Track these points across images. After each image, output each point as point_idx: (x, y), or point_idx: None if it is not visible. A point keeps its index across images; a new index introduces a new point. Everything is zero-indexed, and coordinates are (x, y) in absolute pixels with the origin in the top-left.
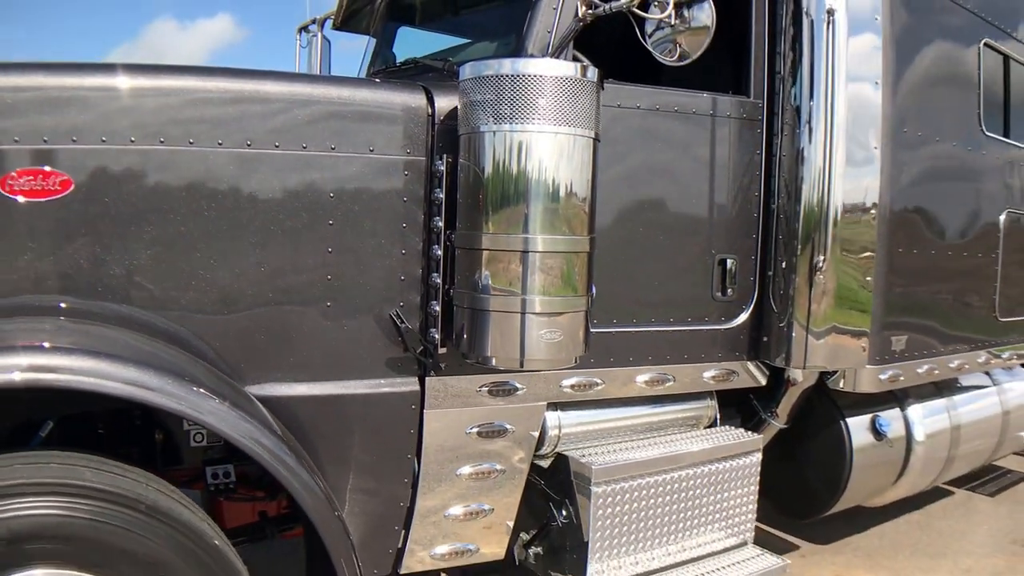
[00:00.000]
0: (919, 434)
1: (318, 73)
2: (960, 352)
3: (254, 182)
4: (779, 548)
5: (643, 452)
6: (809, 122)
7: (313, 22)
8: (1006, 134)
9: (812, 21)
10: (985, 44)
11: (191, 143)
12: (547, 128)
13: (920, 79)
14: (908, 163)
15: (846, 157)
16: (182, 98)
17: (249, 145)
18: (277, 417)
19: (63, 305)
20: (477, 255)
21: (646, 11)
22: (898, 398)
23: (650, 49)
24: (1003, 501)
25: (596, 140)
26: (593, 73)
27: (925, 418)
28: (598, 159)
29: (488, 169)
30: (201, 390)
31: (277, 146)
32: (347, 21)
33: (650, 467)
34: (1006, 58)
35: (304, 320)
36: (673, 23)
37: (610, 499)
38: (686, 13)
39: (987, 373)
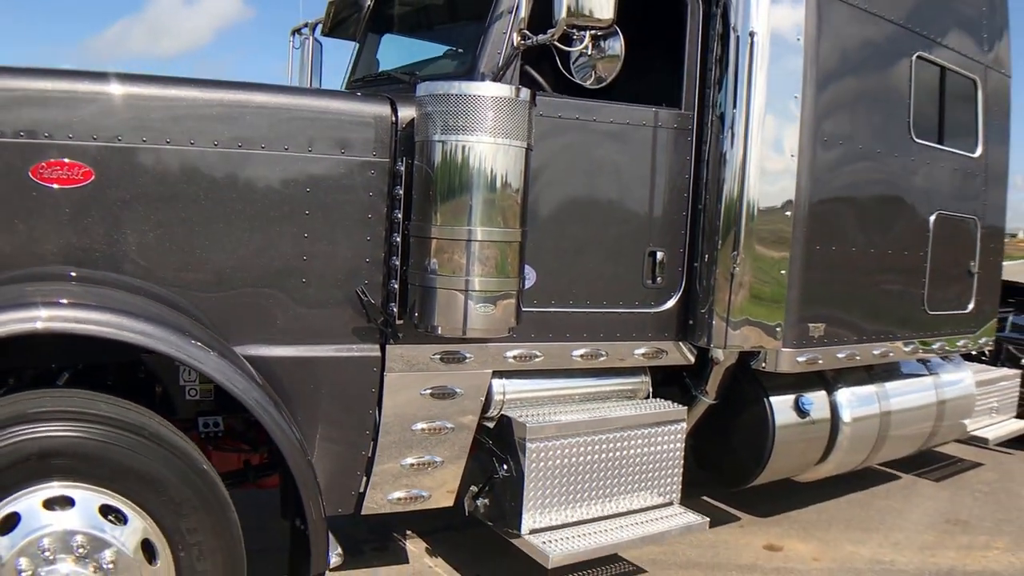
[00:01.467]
0: (846, 416)
1: (309, 74)
2: (885, 341)
3: (243, 177)
4: (719, 519)
5: (574, 415)
6: (732, 129)
7: (305, 26)
8: (940, 140)
9: (738, 40)
10: (918, 57)
11: (192, 143)
12: (486, 139)
13: (844, 92)
14: (828, 169)
15: (763, 162)
16: (185, 106)
17: (240, 146)
18: (260, 373)
19: (73, 273)
20: (428, 243)
21: (568, 44)
22: (827, 381)
23: (570, 75)
24: (947, 486)
25: (528, 149)
26: (526, 94)
27: (853, 401)
28: (530, 165)
29: (438, 171)
30: (201, 345)
31: (263, 147)
32: (335, 28)
33: (580, 428)
34: (942, 69)
35: (283, 293)
36: (590, 52)
37: (543, 454)
38: (602, 44)
39: (925, 364)
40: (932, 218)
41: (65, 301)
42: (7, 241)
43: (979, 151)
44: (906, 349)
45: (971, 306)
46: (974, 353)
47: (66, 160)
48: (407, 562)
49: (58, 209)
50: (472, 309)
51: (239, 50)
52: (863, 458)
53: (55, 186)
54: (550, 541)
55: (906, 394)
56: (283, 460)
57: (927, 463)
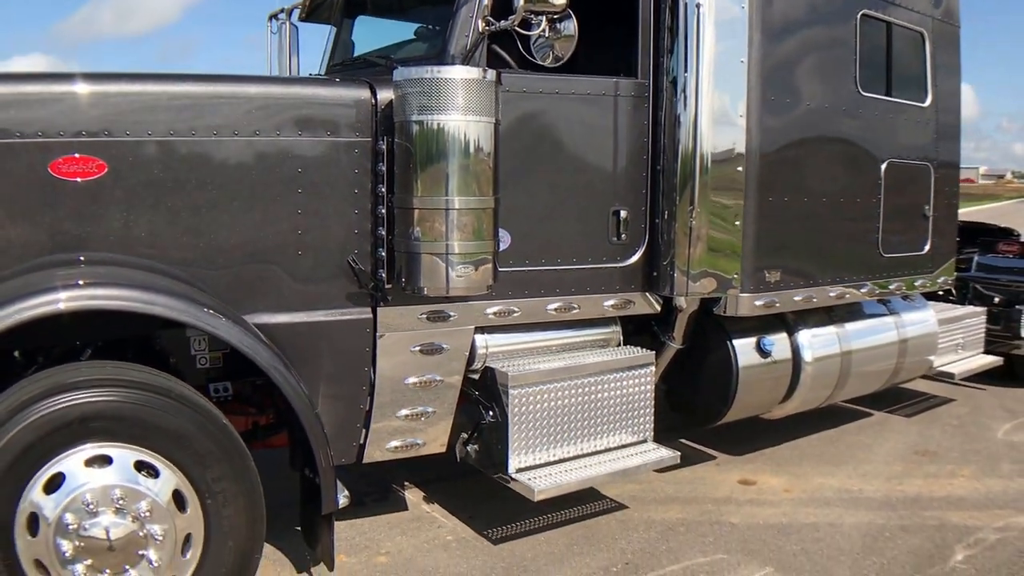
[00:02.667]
0: (807, 356)
1: (288, 58)
2: (840, 284)
3: (239, 162)
4: (697, 458)
5: (551, 363)
6: (684, 93)
7: (282, 11)
8: (888, 92)
9: (686, 8)
10: (863, 15)
11: (193, 134)
12: (458, 116)
13: (789, 54)
14: (777, 126)
15: (713, 123)
16: (186, 101)
17: (235, 134)
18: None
19: (82, 258)
20: (410, 213)
21: (528, 28)
22: (788, 324)
23: (532, 56)
24: (917, 421)
25: (497, 124)
26: (492, 74)
27: (814, 342)
28: (499, 138)
29: (416, 148)
30: (213, 313)
31: (257, 134)
32: (311, 14)
33: (557, 374)
34: (888, 24)
35: (281, 265)
36: (547, 35)
37: (524, 399)
38: (558, 26)
39: (886, 304)
40: (883, 166)
41: (82, 282)
42: (33, 232)
43: (928, 100)
44: (862, 291)
45: (927, 248)
46: (941, 293)
47: (80, 155)
48: (407, 509)
49: (77, 200)
50: (453, 270)
51: (208, 25)
52: (827, 395)
53: (75, 179)
54: (535, 478)
55: (867, 334)
56: (293, 414)
57: (899, 400)
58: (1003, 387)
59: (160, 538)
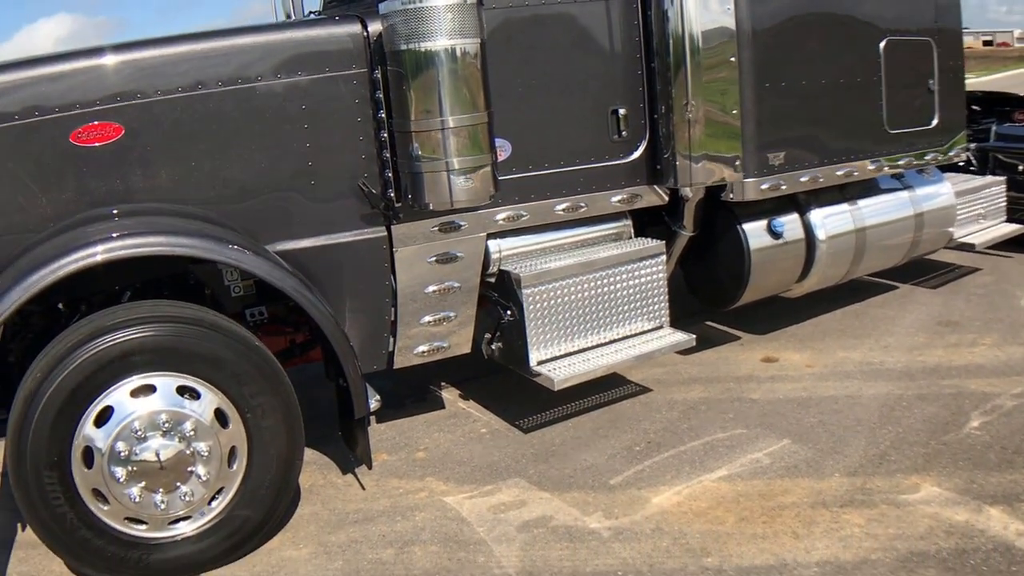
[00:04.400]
0: (820, 234)
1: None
2: (847, 162)
3: (247, 106)
4: (721, 339)
5: (562, 261)
6: None
7: None
8: None
9: None
10: None
11: (200, 87)
12: (444, 40)
13: None
14: (767, 11)
15: (702, 11)
16: (189, 59)
17: (240, 82)
18: (289, 264)
19: (115, 211)
20: (409, 135)
21: None
22: (799, 204)
23: None
24: (942, 292)
25: (482, 43)
26: None
27: (827, 220)
28: (486, 55)
29: (408, 74)
30: (238, 248)
31: (260, 79)
32: None
33: (568, 271)
34: None
35: (297, 194)
36: None
37: (538, 297)
38: None
39: (899, 179)
40: (882, 44)
41: (116, 234)
42: (64, 197)
43: None
44: (871, 167)
45: (935, 121)
46: (961, 164)
47: (98, 123)
48: (443, 407)
49: (100, 162)
50: (455, 184)
51: None
52: (845, 271)
53: (94, 145)
54: (555, 369)
55: (882, 209)
56: (321, 331)
57: (924, 272)
58: None
59: (206, 453)
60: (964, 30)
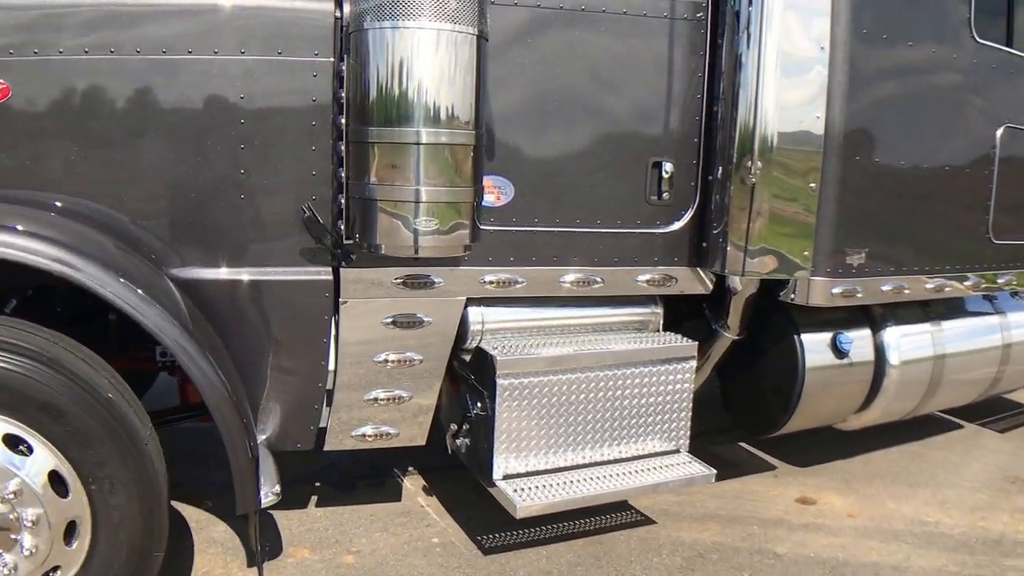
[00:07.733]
0: (893, 358)
1: None
2: (940, 274)
3: (169, 85)
4: (753, 467)
5: (557, 348)
6: (748, 27)
7: None
8: (1009, 43)
9: None
10: None
11: (112, 52)
12: (427, 23)
13: None
14: (869, 66)
15: (785, 61)
16: (102, 12)
17: (164, 52)
18: (200, 298)
19: None
20: (366, 148)
21: None
22: (872, 318)
23: None
24: (1012, 438)
25: (480, 37)
26: None
27: (903, 342)
28: (485, 56)
29: (371, 65)
30: (123, 279)
31: (190, 52)
32: None
33: (563, 363)
34: None
35: (220, 211)
36: None
37: (517, 391)
38: None
39: (991, 301)
40: (999, 132)
41: None
42: None
43: None
44: (966, 284)
45: None
46: None
47: None
48: (399, 500)
49: None
50: (420, 223)
51: None
52: (914, 406)
53: None
54: (524, 488)
55: (966, 335)
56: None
57: (993, 411)
58: None
59: (30, 523)
60: None
